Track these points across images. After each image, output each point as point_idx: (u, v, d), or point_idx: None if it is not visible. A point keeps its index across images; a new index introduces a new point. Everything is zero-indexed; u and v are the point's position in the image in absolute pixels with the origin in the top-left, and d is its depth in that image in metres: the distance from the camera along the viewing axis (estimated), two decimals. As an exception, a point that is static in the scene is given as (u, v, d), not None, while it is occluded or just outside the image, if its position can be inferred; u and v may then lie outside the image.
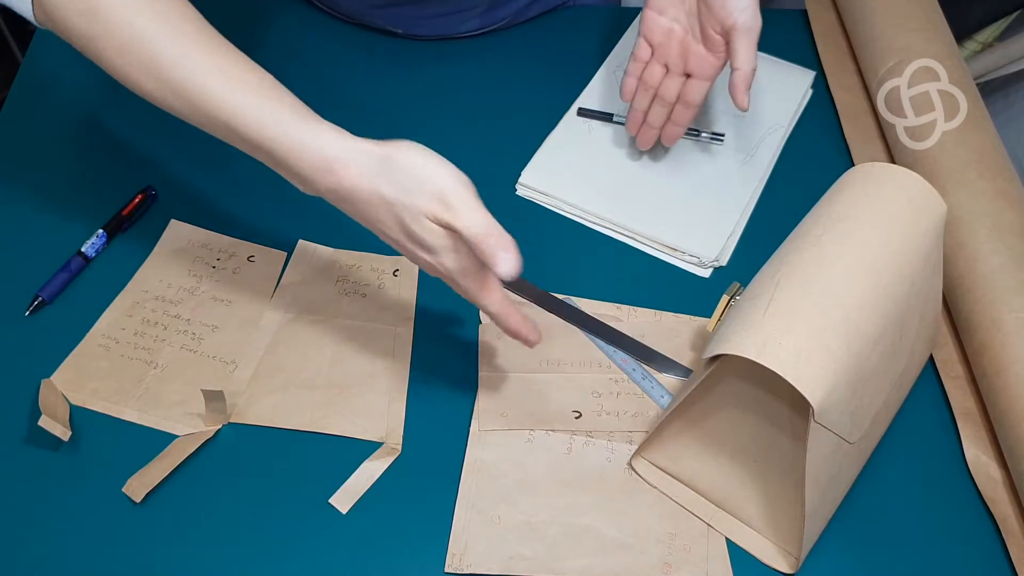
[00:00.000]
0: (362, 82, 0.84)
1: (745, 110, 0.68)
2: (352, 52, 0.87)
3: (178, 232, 0.74)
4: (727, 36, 0.66)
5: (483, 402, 0.65)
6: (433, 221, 0.51)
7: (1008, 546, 0.59)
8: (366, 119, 0.82)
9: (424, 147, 0.52)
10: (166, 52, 0.53)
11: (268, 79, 0.54)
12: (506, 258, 0.49)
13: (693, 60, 0.70)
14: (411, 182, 0.50)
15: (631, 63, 0.73)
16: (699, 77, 0.70)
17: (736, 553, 0.59)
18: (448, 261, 0.52)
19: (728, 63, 0.68)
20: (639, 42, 0.72)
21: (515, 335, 0.57)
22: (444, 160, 0.52)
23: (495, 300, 0.55)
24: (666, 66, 0.71)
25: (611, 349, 0.68)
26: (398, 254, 0.72)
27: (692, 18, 0.69)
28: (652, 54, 0.72)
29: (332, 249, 0.73)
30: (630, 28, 0.89)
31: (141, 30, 0.52)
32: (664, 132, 0.75)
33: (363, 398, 0.65)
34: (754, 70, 0.66)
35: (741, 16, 0.65)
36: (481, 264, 0.53)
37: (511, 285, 0.71)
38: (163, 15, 0.53)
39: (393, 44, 0.87)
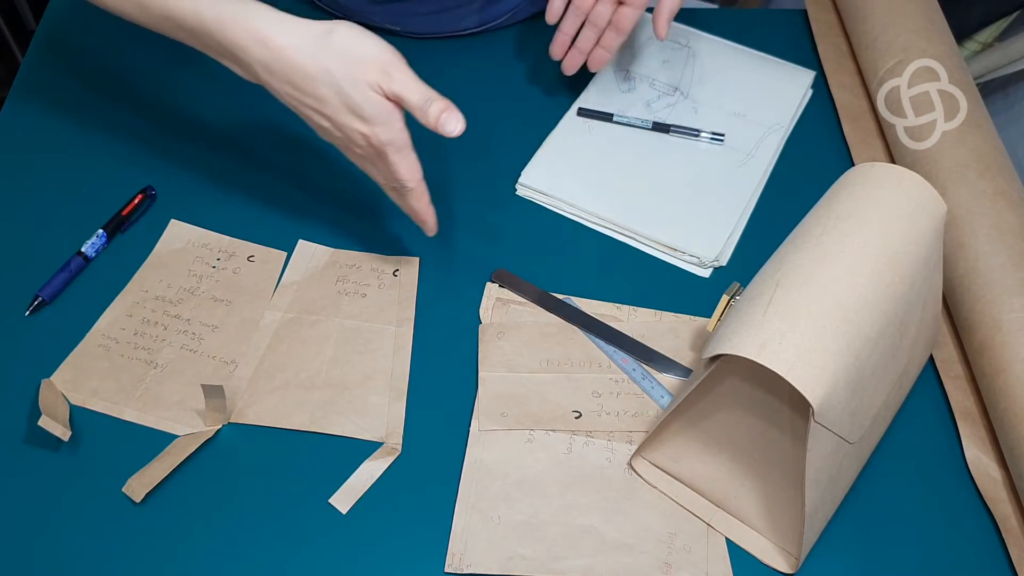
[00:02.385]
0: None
1: (662, 38, 0.71)
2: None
3: (178, 232, 0.74)
4: None
5: (483, 402, 0.65)
6: (375, 91, 0.54)
7: (1008, 546, 0.59)
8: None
9: (358, 25, 0.55)
10: None
11: None
12: (455, 117, 0.54)
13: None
14: (354, 54, 0.54)
15: None
16: (632, 5, 0.71)
17: (736, 553, 0.59)
18: (383, 132, 0.55)
19: None
20: None
21: (419, 216, 0.62)
22: (379, 37, 0.55)
23: (417, 177, 0.58)
24: None
25: (611, 349, 0.68)
26: (399, 254, 0.73)
27: None
28: None
29: (332, 249, 0.73)
30: (630, 28, 0.89)
31: None
32: (592, 56, 0.76)
33: (363, 398, 0.65)
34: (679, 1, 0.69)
35: None
36: (408, 139, 0.57)
37: (511, 285, 0.71)
38: None
39: (391, 41, 0.87)
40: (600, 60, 0.76)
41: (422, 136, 0.81)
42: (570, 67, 0.77)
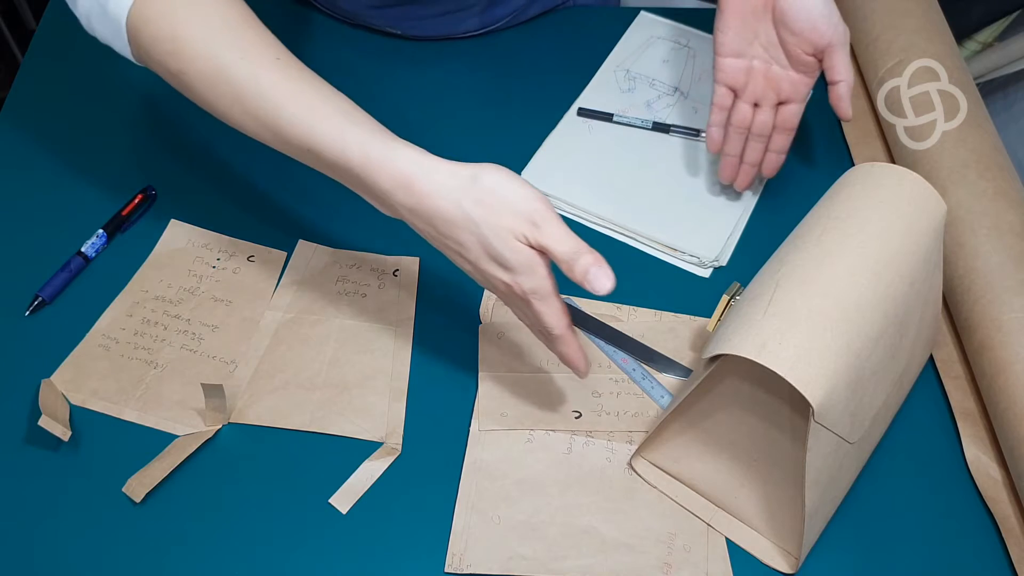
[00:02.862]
0: (362, 83, 0.84)
1: (850, 119, 0.70)
2: (352, 53, 0.87)
3: (178, 232, 0.74)
4: (822, 54, 0.67)
5: (483, 402, 0.65)
6: (520, 241, 0.52)
7: (1008, 546, 0.59)
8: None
9: (508, 169, 0.53)
10: (248, 83, 0.55)
11: (347, 103, 0.55)
12: (605, 274, 0.51)
13: (786, 87, 0.70)
14: (498, 202, 0.51)
15: (714, 113, 0.72)
16: (795, 101, 0.70)
17: (736, 553, 0.59)
18: (526, 281, 0.53)
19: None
20: (718, 90, 0.71)
21: (570, 362, 0.57)
22: (527, 182, 0.53)
23: (564, 324, 0.55)
24: (755, 103, 0.71)
25: (611, 349, 0.68)
26: (399, 254, 0.73)
27: (773, 48, 0.69)
28: (735, 97, 0.72)
29: (332, 249, 0.73)
30: (630, 28, 0.89)
31: (224, 64, 0.55)
32: (766, 164, 0.74)
33: (363, 398, 0.65)
34: (849, 81, 0.68)
35: (836, 33, 0.65)
36: (555, 287, 0.54)
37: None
38: (244, 48, 0.55)
39: (393, 45, 0.87)
40: (776, 165, 0.74)
41: (421, 140, 0.81)
42: (745, 183, 0.75)
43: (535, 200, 0.52)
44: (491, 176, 0.52)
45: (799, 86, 0.69)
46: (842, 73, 0.67)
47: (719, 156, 0.75)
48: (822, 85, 0.85)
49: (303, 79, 0.56)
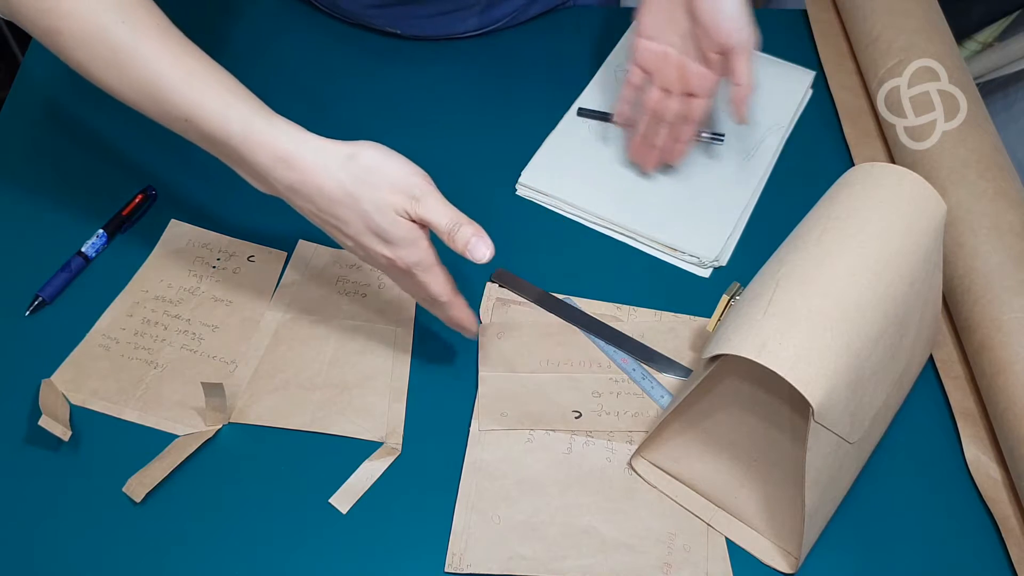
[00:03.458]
0: (361, 82, 0.84)
1: (745, 123, 0.70)
2: (351, 52, 0.87)
3: (178, 232, 0.74)
4: (725, 55, 0.67)
5: (483, 402, 0.65)
6: (400, 215, 0.53)
7: (1008, 546, 0.59)
8: (364, 119, 0.82)
9: (385, 146, 0.54)
10: (127, 47, 0.53)
11: (230, 77, 0.55)
12: (484, 243, 0.53)
13: (694, 80, 0.70)
14: (377, 177, 0.52)
15: (625, 89, 0.73)
16: (702, 95, 0.71)
17: (736, 553, 0.59)
18: (408, 255, 0.54)
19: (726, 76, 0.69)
20: (632, 69, 0.72)
21: (458, 325, 0.60)
22: (405, 158, 0.54)
23: (447, 291, 0.57)
24: (665, 88, 0.72)
25: (611, 349, 0.68)
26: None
27: (687, 40, 0.69)
28: (648, 79, 0.72)
29: (332, 249, 0.73)
30: (630, 28, 0.89)
31: (103, 25, 0.53)
32: (670, 151, 0.75)
33: (363, 398, 0.65)
34: (752, 86, 0.68)
35: (738, 36, 0.66)
36: (437, 257, 0.56)
37: (511, 285, 0.71)
38: (126, 12, 0.54)
39: (393, 44, 0.87)
40: (679, 154, 0.75)
41: (421, 140, 0.81)
42: (648, 164, 0.76)
43: (414, 175, 0.53)
44: (370, 153, 0.53)
45: (706, 81, 0.70)
46: (741, 77, 0.67)
47: (720, 156, 0.75)
48: (821, 85, 0.86)
49: (185, 50, 0.54)
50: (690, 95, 0.71)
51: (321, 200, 0.54)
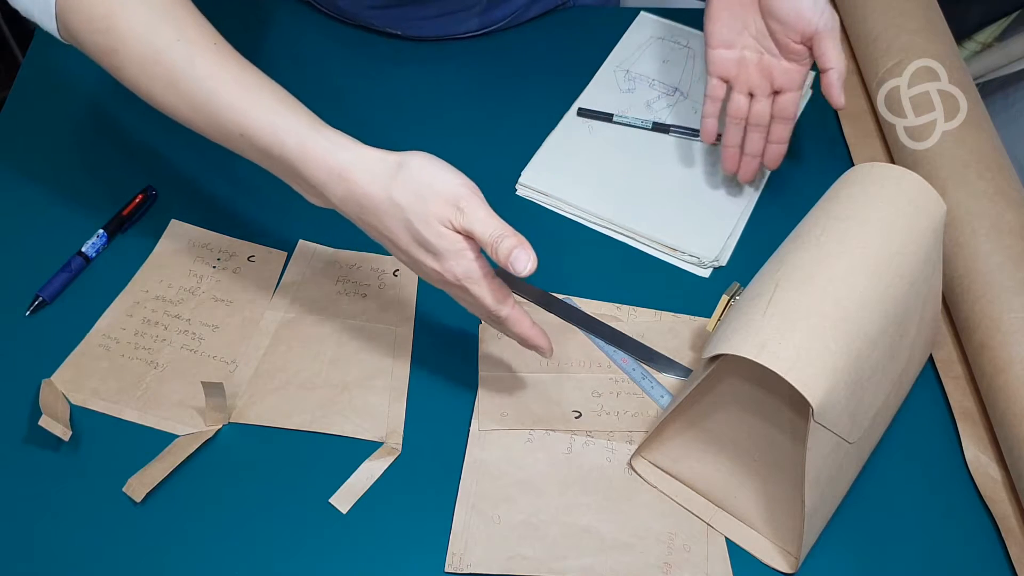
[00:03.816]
0: (362, 83, 0.85)
1: (843, 107, 0.68)
2: (351, 53, 0.87)
3: (178, 232, 0.74)
4: (810, 42, 0.66)
5: (483, 402, 0.65)
6: (446, 226, 0.52)
7: (1008, 546, 0.59)
8: (365, 120, 0.82)
9: (434, 156, 0.53)
10: (183, 66, 0.54)
11: (282, 92, 0.55)
12: (527, 256, 0.51)
13: (780, 76, 0.69)
14: (424, 189, 0.51)
15: (708, 104, 0.72)
16: (790, 89, 0.70)
17: (736, 553, 0.59)
18: (456, 266, 0.53)
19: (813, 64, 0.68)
20: (712, 83, 0.71)
21: (529, 342, 0.57)
22: (454, 168, 0.53)
23: (506, 305, 0.55)
24: (750, 93, 0.71)
25: (611, 349, 0.68)
26: (398, 254, 0.73)
27: (763, 38, 0.69)
28: (729, 88, 0.72)
29: (332, 249, 0.73)
30: (630, 28, 0.89)
31: (161, 47, 0.54)
32: (767, 155, 0.73)
33: (363, 398, 0.65)
34: (844, 66, 0.67)
35: (822, 20, 0.65)
36: (487, 270, 0.54)
37: (511, 285, 0.71)
38: (181, 31, 0.54)
39: (393, 45, 0.87)
40: (778, 156, 0.73)
41: (421, 140, 0.81)
42: (747, 175, 0.75)
43: (460, 185, 0.52)
44: (418, 162, 0.52)
45: (793, 74, 0.69)
46: (832, 60, 0.66)
47: (719, 152, 0.75)
48: (820, 84, 0.86)
49: (240, 66, 0.55)
50: (777, 93, 0.70)
51: (369, 213, 0.53)
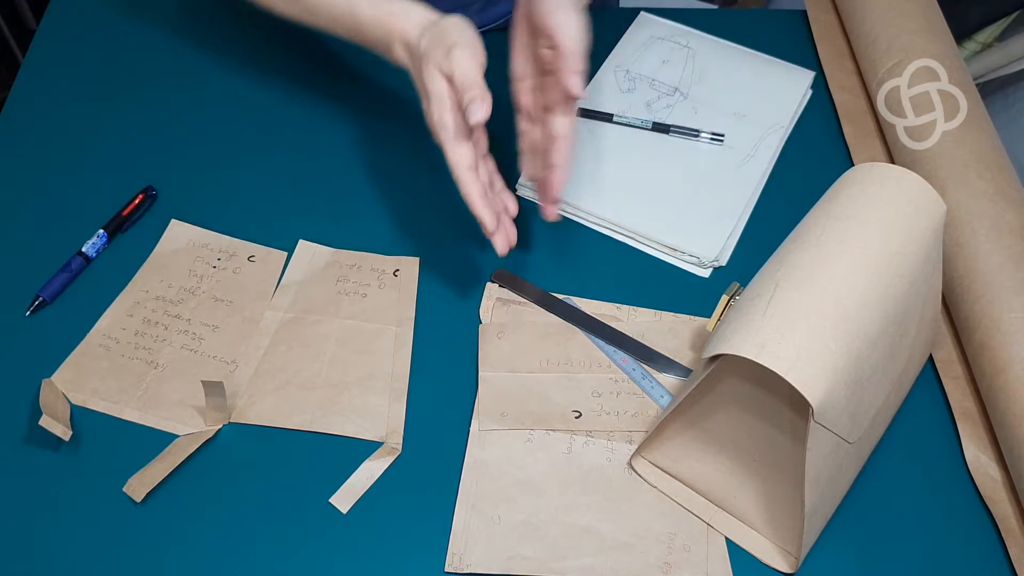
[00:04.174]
0: (360, 81, 0.84)
1: (577, 96, 0.61)
2: (351, 51, 0.87)
3: (178, 232, 0.74)
4: (548, 37, 0.60)
5: (483, 402, 0.65)
6: (438, 70, 0.57)
7: (1008, 546, 0.59)
8: (365, 119, 0.82)
9: (467, 22, 0.59)
10: None
11: None
12: (480, 107, 0.55)
13: (551, 94, 0.63)
14: (440, 34, 0.58)
15: (522, 143, 0.68)
16: (555, 109, 0.63)
17: (736, 553, 0.59)
18: (435, 111, 0.58)
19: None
20: (520, 121, 0.67)
21: (477, 217, 0.60)
22: (475, 33, 0.58)
23: (464, 165, 0.59)
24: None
25: (611, 349, 0.68)
26: (399, 254, 0.73)
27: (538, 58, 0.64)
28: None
29: (332, 249, 0.73)
30: (630, 28, 0.89)
31: None
32: (544, 186, 0.66)
33: (363, 398, 0.65)
34: (577, 54, 0.60)
35: (553, 17, 0.59)
36: (460, 126, 0.58)
37: (511, 285, 0.71)
38: None
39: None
40: (556, 184, 0.65)
41: (421, 140, 0.81)
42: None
43: (463, 35, 0.57)
44: (452, 20, 0.59)
45: (555, 88, 0.62)
46: (563, 44, 0.59)
47: (720, 156, 0.74)
48: (821, 85, 0.86)
49: None
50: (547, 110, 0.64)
51: (409, 62, 0.61)
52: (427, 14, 0.60)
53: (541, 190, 0.67)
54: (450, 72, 0.56)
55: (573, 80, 0.60)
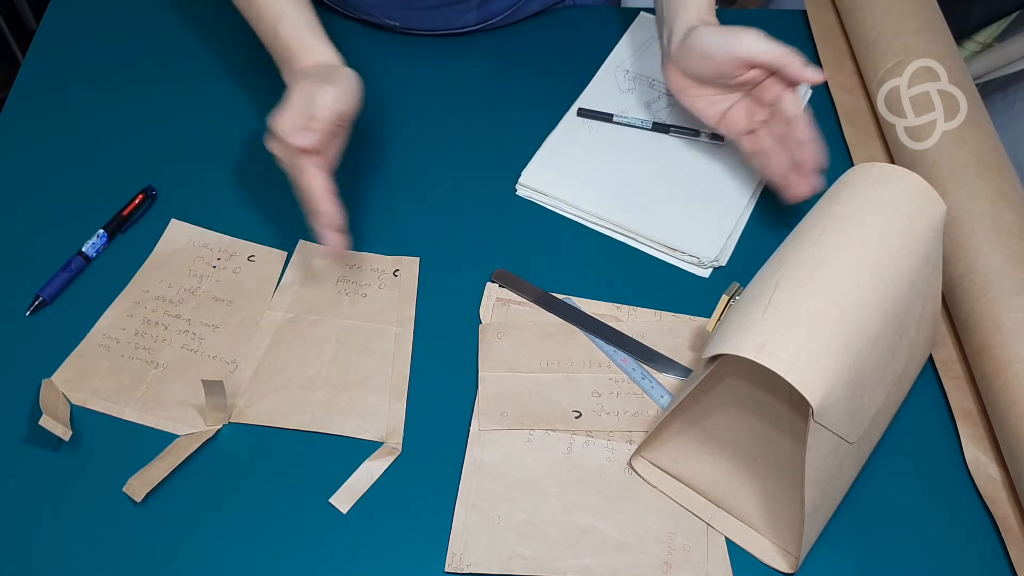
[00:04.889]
0: (361, 81, 0.84)
1: (821, 79, 0.67)
2: (351, 49, 0.86)
3: (178, 232, 0.74)
4: (748, 65, 0.68)
5: (483, 402, 0.65)
6: (303, 93, 0.64)
7: (1008, 546, 0.59)
8: (365, 119, 0.82)
9: (354, 81, 0.68)
10: None
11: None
12: (304, 136, 0.63)
13: (768, 95, 0.70)
14: (326, 73, 0.66)
15: (747, 155, 0.74)
16: (781, 98, 0.69)
17: (736, 553, 0.59)
18: (286, 120, 0.64)
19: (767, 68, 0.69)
20: (736, 143, 0.74)
21: (317, 221, 0.65)
22: (357, 86, 0.68)
23: (309, 181, 0.64)
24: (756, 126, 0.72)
25: (611, 349, 0.68)
26: (399, 254, 0.73)
27: (730, 89, 0.71)
28: (749, 134, 0.73)
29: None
30: (630, 28, 0.89)
31: None
32: (807, 157, 0.70)
33: (363, 398, 0.65)
34: (786, 52, 0.66)
35: (736, 46, 0.67)
36: (317, 162, 0.65)
37: (511, 285, 0.71)
38: None
39: (393, 41, 0.87)
40: (816, 155, 0.69)
41: (422, 140, 0.81)
42: (807, 187, 0.71)
43: (340, 79, 0.67)
44: (342, 68, 0.68)
45: (774, 87, 0.69)
46: (772, 60, 0.67)
47: (719, 156, 0.75)
48: (821, 85, 0.86)
49: None
50: (773, 112, 0.70)
51: (291, 77, 0.68)
52: (332, 56, 0.69)
53: (798, 172, 0.70)
54: (312, 99, 0.64)
55: (809, 72, 0.66)
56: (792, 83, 0.68)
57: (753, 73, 0.69)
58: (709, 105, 0.73)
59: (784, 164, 0.71)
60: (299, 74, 0.67)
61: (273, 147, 0.66)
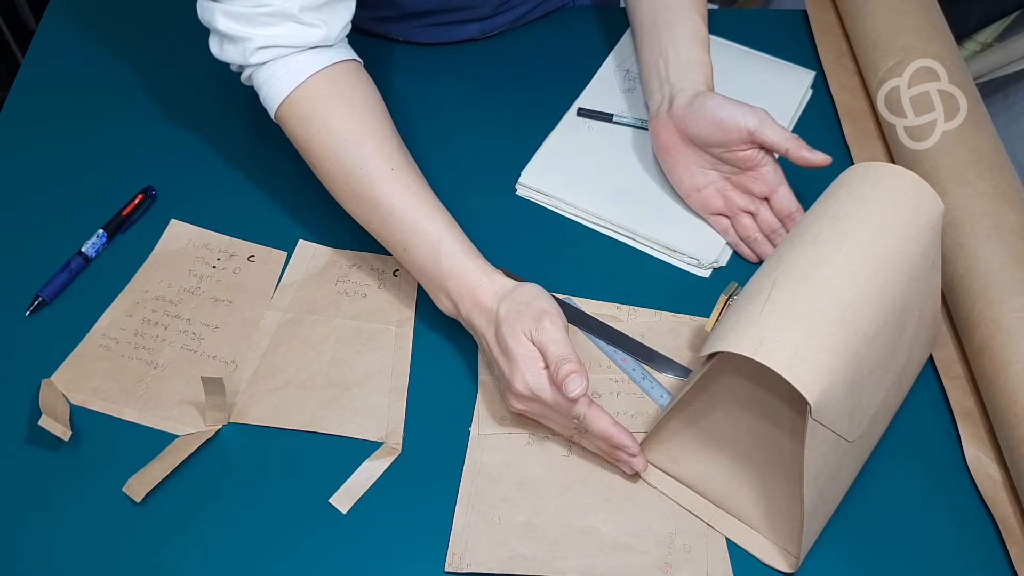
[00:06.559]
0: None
1: (829, 161, 0.68)
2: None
3: (178, 232, 0.74)
4: (754, 141, 0.68)
5: (483, 406, 0.65)
6: (526, 336, 0.58)
7: (1008, 546, 0.59)
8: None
9: (543, 289, 0.61)
10: (363, 189, 0.64)
11: (444, 216, 0.65)
12: (580, 381, 0.56)
13: (755, 185, 0.71)
14: (522, 306, 0.59)
15: (728, 237, 0.73)
16: (775, 189, 0.70)
17: (736, 553, 0.59)
18: (528, 373, 0.58)
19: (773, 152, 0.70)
20: (713, 221, 0.73)
21: (610, 440, 0.59)
22: (552, 297, 0.60)
23: (580, 404, 0.58)
24: (747, 211, 0.72)
25: (611, 349, 0.68)
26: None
27: (719, 165, 0.71)
28: (731, 217, 0.73)
29: (332, 249, 0.73)
30: (630, 28, 0.89)
31: (347, 169, 0.64)
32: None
33: (363, 398, 0.65)
34: (794, 136, 0.68)
35: (746, 120, 0.67)
36: (552, 392, 0.58)
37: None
38: (362, 159, 0.64)
39: (393, 47, 0.87)
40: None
41: (421, 140, 0.81)
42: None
43: (548, 306, 0.59)
44: (527, 288, 0.60)
45: (766, 176, 0.70)
46: (779, 143, 0.67)
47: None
48: (821, 85, 0.86)
49: (411, 192, 0.64)
50: (767, 199, 0.71)
51: (481, 321, 0.61)
52: (506, 281, 0.62)
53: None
54: (541, 341, 0.58)
55: (817, 156, 0.67)
56: (779, 152, 0.69)
57: (751, 152, 0.69)
58: (688, 174, 0.72)
59: (769, 250, 0.72)
60: (487, 312, 0.61)
61: (529, 407, 0.60)
